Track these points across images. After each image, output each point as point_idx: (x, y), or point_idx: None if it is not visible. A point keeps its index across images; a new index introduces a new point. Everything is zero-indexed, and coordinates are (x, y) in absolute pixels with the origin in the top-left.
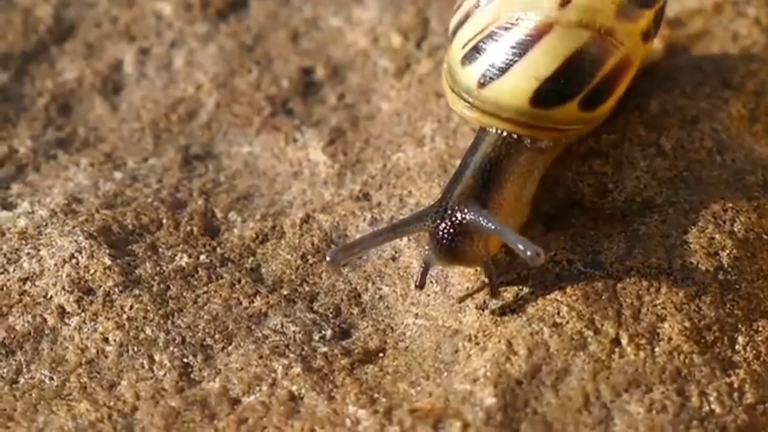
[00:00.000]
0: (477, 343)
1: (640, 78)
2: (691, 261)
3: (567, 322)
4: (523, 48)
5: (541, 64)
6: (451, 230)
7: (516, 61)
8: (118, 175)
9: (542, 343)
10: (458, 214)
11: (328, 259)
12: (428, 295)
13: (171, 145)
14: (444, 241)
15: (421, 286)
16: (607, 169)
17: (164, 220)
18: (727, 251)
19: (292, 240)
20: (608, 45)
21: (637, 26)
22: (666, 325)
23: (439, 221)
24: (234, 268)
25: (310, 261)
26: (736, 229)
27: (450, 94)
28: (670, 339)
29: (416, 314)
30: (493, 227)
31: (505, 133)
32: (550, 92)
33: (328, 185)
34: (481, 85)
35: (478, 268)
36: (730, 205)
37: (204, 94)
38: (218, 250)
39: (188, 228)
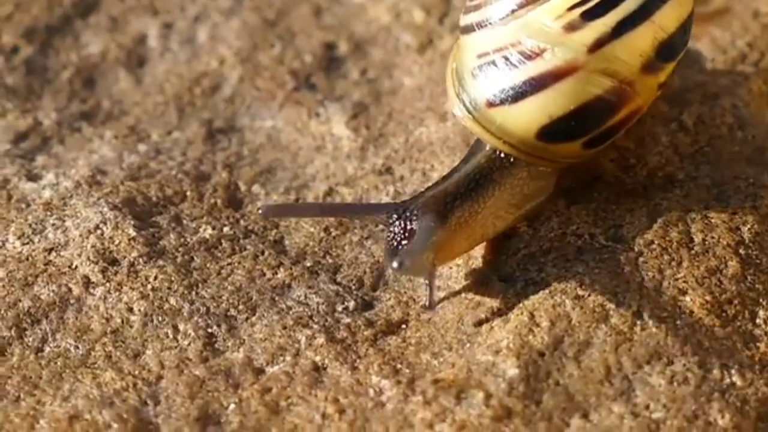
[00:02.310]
0: (499, 315)
1: None
2: (712, 235)
3: (589, 295)
4: (542, 83)
5: (557, 103)
6: (400, 234)
7: (532, 94)
8: (142, 147)
9: (564, 315)
10: (411, 222)
11: (260, 211)
12: (450, 268)
13: (194, 118)
14: (392, 242)
15: (372, 288)
16: (630, 144)
17: (188, 193)
18: (748, 226)
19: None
20: (626, 95)
21: (657, 79)
22: (687, 298)
23: (395, 219)
24: (257, 240)
25: (333, 233)
26: (757, 204)
27: (454, 97)
28: (691, 312)
29: (438, 286)
30: (418, 248)
31: (502, 154)
32: (559, 131)
33: (350, 159)
34: (490, 104)
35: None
36: (752, 180)
37: (227, 68)
38: (242, 222)
39: (212, 200)
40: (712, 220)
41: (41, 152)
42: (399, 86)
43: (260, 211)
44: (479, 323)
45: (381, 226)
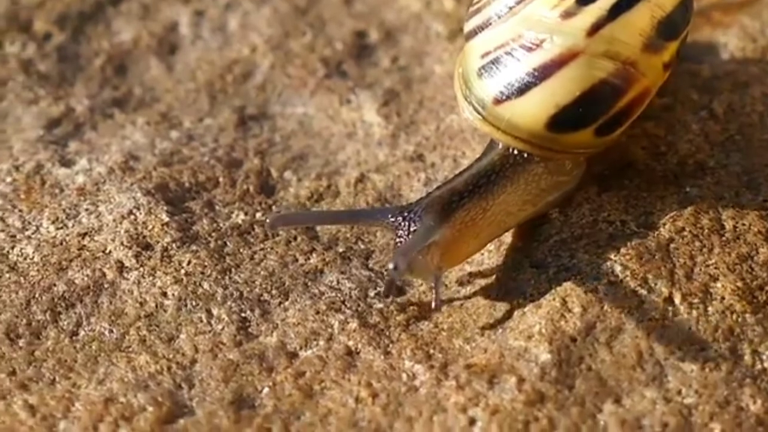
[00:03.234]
0: (531, 301)
1: (690, 45)
2: (743, 222)
3: (621, 281)
4: (546, 72)
5: (562, 91)
6: (405, 237)
7: (536, 85)
8: (174, 134)
9: (596, 301)
10: (415, 223)
11: (267, 221)
12: (482, 254)
13: (226, 105)
14: (399, 245)
15: (385, 294)
16: (660, 132)
17: (220, 179)
18: None
19: (347, 199)
20: (631, 76)
21: (661, 58)
22: (719, 284)
23: (400, 222)
24: None
25: None
26: None
27: (462, 101)
28: (722, 298)
29: (470, 273)
30: (412, 246)
31: (515, 151)
32: (568, 119)
33: (382, 146)
34: (497, 101)
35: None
36: None
37: (259, 56)
38: (274, 208)
39: (244, 186)
40: (743, 207)
41: (74, 138)
42: (430, 74)
43: (267, 221)
44: (511, 309)
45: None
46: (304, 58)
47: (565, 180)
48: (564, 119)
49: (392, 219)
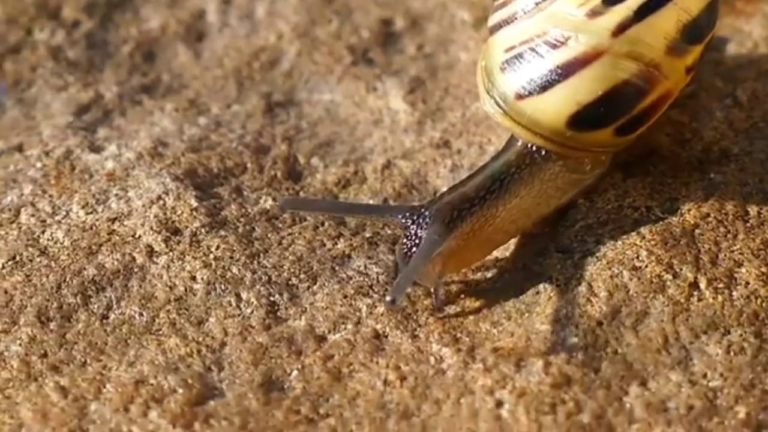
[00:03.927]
0: (557, 286)
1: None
2: (767, 208)
3: (646, 266)
4: (569, 70)
5: (585, 89)
6: (412, 240)
7: (559, 82)
8: (202, 120)
9: (622, 286)
10: (422, 228)
11: (278, 203)
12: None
13: (253, 92)
14: (403, 248)
15: (392, 302)
16: (685, 119)
17: (248, 164)
18: None
19: (374, 185)
20: (653, 78)
21: (684, 62)
22: (743, 270)
23: (409, 224)
24: None
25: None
26: None
27: (484, 94)
28: (747, 283)
29: (497, 258)
30: (415, 272)
31: (534, 147)
32: (589, 118)
33: (408, 133)
34: (519, 97)
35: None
36: None
37: (285, 43)
38: (301, 193)
39: (272, 172)
40: (767, 194)
41: (103, 124)
42: (455, 61)
43: (278, 204)
44: (537, 293)
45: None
46: (331, 46)
47: (582, 178)
48: (585, 118)
49: (401, 219)
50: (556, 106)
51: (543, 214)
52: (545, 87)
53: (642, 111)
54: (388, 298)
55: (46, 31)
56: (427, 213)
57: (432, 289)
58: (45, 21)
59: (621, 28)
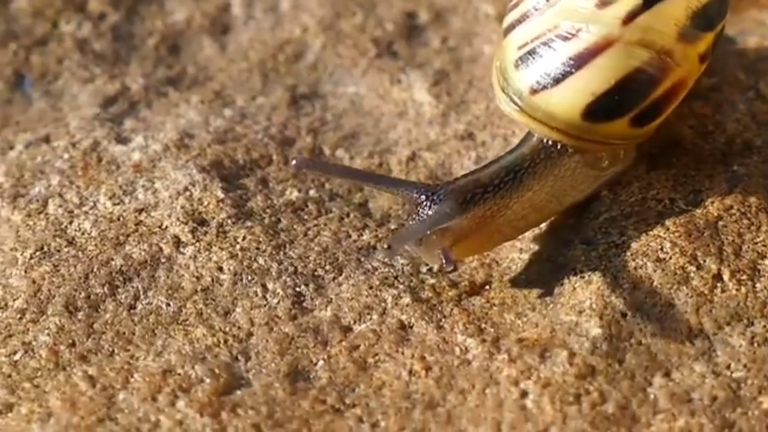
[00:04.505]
0: (582, 277)
1: (736, 26)
2: None
3: (670, 258)
4: (581, 61)
5: (597, 79)
6: (424, 216)
7: (572, 74)
8: (227, 112)
9: (646, 278)
10: (435, 205)
11: (293, 162)
12: (533, 231)
13: (278, 84)
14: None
15: (388, 248)
16: (708, 111)
17: (274, 156)
18: None
19: (399, 176)
20: (666, 66)
21: (696, 49)
22: (766, 261)
23: (423, 200)
24: (342, 202)
25: None
26: None
27: (500, 93)
28: None
29: (521, 249)
30: (415, 232)
31: (550, 142)
32: (603, 108)
33: (432, 125)
34: (534, 91)
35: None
36: None
37: (310, 36)
38: (327, 185)
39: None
40: None
41: (129, 116)
42: (479, 54)
43: (294, 163)
44: (562, 285)
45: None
46: (355, 39)
47: (599, 175)
48: (599, 108)
49: (416, 195)
50: (570, 97)
51: (554, 212)
52: (558, 79)
53: (657, 100)
54: (386, 244)
55: (72, 23)
56: (441, 191)
57: (438, 264)
58: (71, 13)
59: (631, 16)
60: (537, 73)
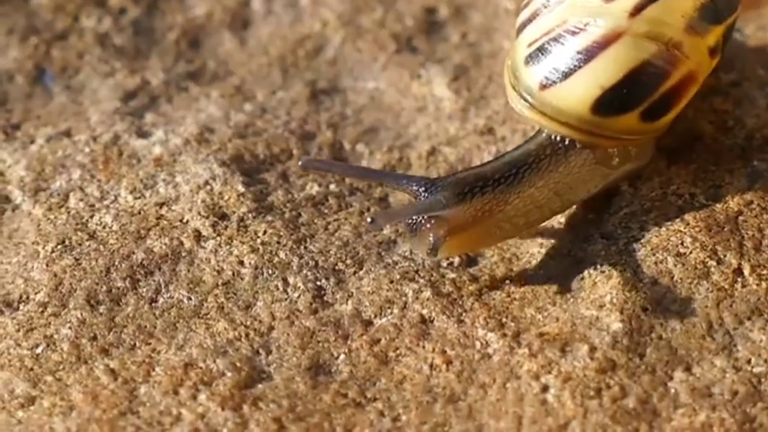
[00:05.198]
0: (602, 272)
1: (755, 21)
2: None
3: (690, 252)
4: (589, 54)
5: (606, 72)
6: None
7: (580, 67)
8: (248, 106)
9: (666, 272)
10: (431, 195)
11: (300, 162)
12: (553, 226)
13: (298, 79)
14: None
15: (371, 222)
16: (728, 107)
17: (294, 151)
18: None
19: (419, 171)
20: (674, 58)
21: (705, 41)
22: None
23: (422, 193)
24: (363, 197)
25: None
26: None
27: (510, 91)
28: None
29: (541, 243)
30: (409, 214)
31: (558, 138)
32: (612, 101)
33: (452, 120)
34: (543, 87)
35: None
36: None
37: (330, 31)
38: (347, 180)
39: (318, 158)
40: None
41: (149, 110)
42: (498, 50)
43: (300, 164)
44: (582, 279)
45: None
46: (375, 34)
47: (608, 173)
48: (609, 101)
49: (415, 187)
50: (579, 91)
51: (557, 210)
52: (567, 74)
53: (666, 93)
54: (369, 218)
55: (93, 18)
56: (440, 183)
57: (425, 255)
58: (92, 8)
59: (638, 9)
60: (546, 68)
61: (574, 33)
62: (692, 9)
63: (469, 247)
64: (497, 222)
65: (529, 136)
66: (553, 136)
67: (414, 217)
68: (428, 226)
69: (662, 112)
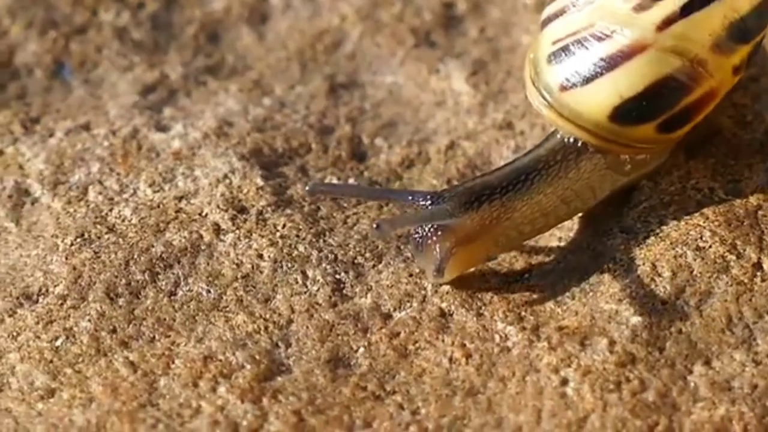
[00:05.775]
0: (621, 266)
1: None
2: None
3: (710, 246)
4: (613, 63)
5: (627, 82)
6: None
7: (602, 74)
8: (266, 101)
9: (686, 266)
10: (436, 205)
11: (307, 188)
12: (572, 220)
13: (317, 73)
14: (416, 233)
15: (377, 227)
16: (747, 102)
17: (313, 145)
18: None
19: (438, 165)
20: (698, 75)
21: (730, 61)
22: None
23: (429, 203)
24: None
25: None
26: None
27: (530, 86)
28: None
29: (560, 237)
30: (413, 222)
31: (571, 141)
32: (631, 111)
33: (471, 114)
34: (563, 88)
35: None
36: None
37: (348, 25)
38: (366, 173)
39: (336, 152)
40: None
41: (168, 104)
42: (517, 44)
43: (307, 189)
44: (601, 273)
45: None
46: (394, 28)
47: (618, 179)
48: (627, 112)
49: (422, 201)
50: (599, 98)
51: (564, 218)
52: (589, 79)
53: (686, 108)
54: (374, 224)
55: (111, 12)
56: (447, 195)
57: (430, 273)
58: (110, 2)
59: (666, 23)
60: (568, 70)
61: (600, 39)
62: (720, 28)
63: (474, 261)
64: (504, 230)
65: (547, 130)
66: (566, 139)
67: (420, 231)
68: (434, 239)
69: (680, 125)
